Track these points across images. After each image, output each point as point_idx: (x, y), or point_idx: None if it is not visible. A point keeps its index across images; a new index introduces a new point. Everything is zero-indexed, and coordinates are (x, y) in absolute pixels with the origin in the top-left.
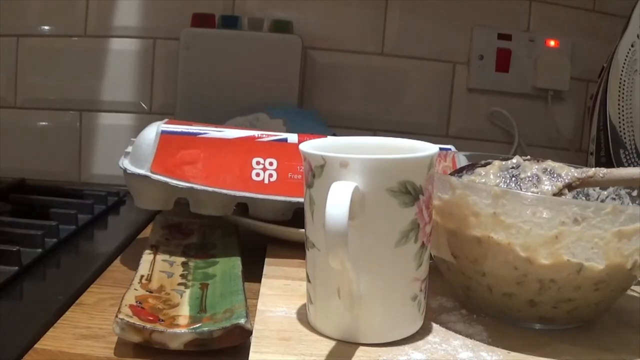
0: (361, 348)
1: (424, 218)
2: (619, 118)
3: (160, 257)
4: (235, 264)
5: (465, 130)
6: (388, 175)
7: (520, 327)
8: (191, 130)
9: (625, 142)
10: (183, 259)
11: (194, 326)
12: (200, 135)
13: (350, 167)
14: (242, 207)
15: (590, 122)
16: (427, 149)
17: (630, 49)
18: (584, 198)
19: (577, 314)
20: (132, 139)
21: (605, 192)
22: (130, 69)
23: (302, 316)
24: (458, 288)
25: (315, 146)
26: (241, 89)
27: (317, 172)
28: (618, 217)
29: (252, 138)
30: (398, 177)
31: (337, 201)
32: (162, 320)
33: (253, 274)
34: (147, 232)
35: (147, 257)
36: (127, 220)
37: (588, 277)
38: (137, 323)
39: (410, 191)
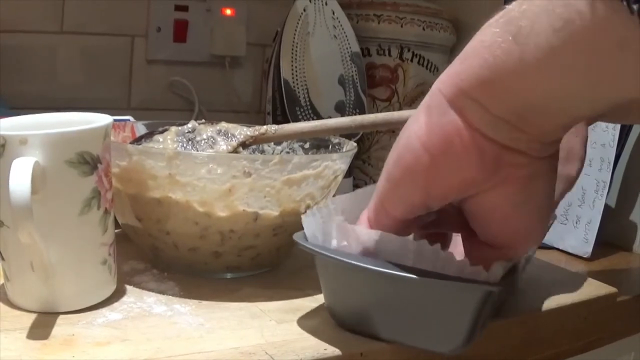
0: (62, 316)
1: (104, 185)
2: (293, 78)
3: None
4: None
5: (147, 101)
6: (65, 148)
7: (210, 278)
8: None
9: (300, 100)
10: None
11: None
12: None
13: (29, 144)
14: None
15: (266, 84)
16: (101, 120)
17: (302, 13)
18: (260, 154)
19: (260, 260)
20: None
21: (280, 147)
22: None
23: (2, 295)
24: (146, 249)
25: None
26: None
27: None
28: (285, 166)
29: None
30: (75, 148)
31: (19, 177)
32: None
33: None
34: None
35: None
36: None
37: (265, 224)
38: None
39: (88, 161)
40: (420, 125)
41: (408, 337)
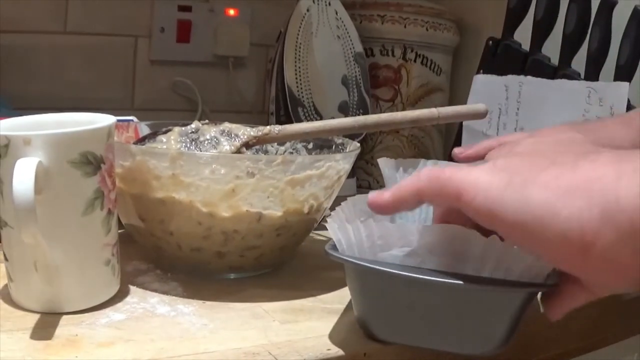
0: (65, 317)
1: (107, 186)
2: (296, 78)
3: None
4: None
5: (150, 101)
6: (68, 148)
7: (214, 278)
8: None
9: (303, 101)
10: None
11: None
12: None
13: (33, 144)
14: None
15: (269, 84)
16: (104, 120)
17: (306, 13)
18: (263, 154)
19: (264, 260)
20: None
21: (283, 147)
22: None
23: (5, 295)
24: (150, 250)
25: None
26: None
27: (3, 152)
28: (289, 166)
29: None
30: (78, 148)
31: (22, 177)
32: None
33: None
34: None
35: None
36: None
37: (268, 224)
38: None
39: (91, 161)
40: (592, 224)
41: (444, 342)
